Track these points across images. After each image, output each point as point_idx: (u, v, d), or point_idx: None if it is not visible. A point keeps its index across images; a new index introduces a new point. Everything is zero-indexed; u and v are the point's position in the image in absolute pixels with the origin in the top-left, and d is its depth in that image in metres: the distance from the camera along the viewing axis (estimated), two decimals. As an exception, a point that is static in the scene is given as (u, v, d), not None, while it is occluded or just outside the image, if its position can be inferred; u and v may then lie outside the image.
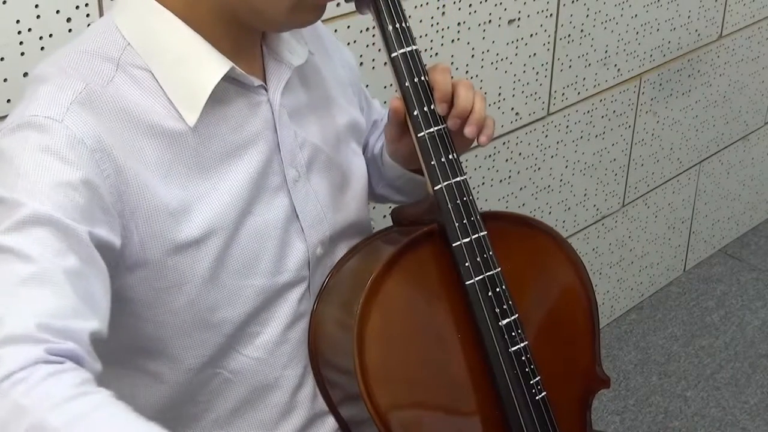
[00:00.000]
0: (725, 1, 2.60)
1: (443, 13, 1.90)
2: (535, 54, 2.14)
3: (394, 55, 1.18)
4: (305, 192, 1.20)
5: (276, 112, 1.16)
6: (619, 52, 2.35)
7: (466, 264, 1.17)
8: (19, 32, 1.33)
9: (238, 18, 1.10)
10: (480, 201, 2.02)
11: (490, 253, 1.19)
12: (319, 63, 1.27)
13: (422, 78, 1.18)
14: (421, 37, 1.88)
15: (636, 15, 2.34)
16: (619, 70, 2.37)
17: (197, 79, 1.09)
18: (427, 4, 1.86)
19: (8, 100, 1.35)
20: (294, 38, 1.20)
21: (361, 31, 1.77)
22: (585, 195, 2.45)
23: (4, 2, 1.30)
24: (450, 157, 1.18)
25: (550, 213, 2.37)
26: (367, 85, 1.77)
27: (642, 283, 2.78)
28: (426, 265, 1.19)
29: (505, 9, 2.02)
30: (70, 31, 1.38)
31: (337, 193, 1.25)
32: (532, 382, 1.21)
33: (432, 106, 1.18)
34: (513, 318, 1.19)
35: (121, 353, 1.14)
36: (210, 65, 1.09)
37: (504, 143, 2.16)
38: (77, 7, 1.38)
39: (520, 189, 2.26)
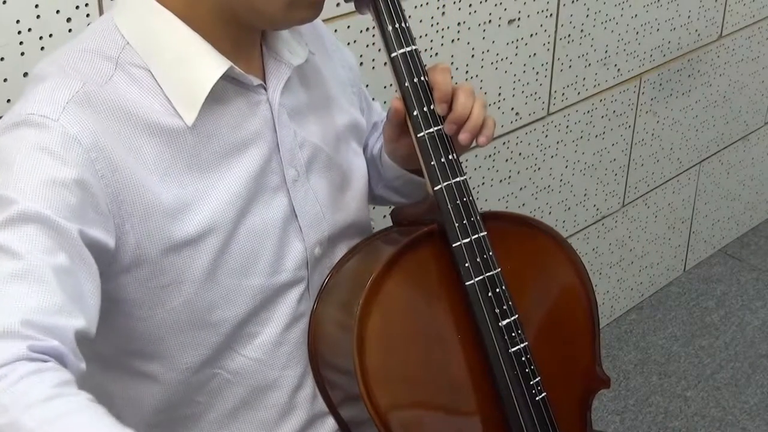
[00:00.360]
0: (725, 1, 2.60)
1: (443, 13, 1.90)
2: (535, 54, 2.14)
3: (393, 55, 1.18)
4: (304, 192, 1.20)
5: (275, 111, 1.16)
6: (619, 52, 2.35)
7: (466, 264, 1.17)
8: (19, 32, 1.33)
9: (237, 17, 1.10)
10: (480, 201, 2.02)
11: (490, 253, 1.18)
12: (319, 63, 1.27)
13: (422, 78, 1.18)
14: (421, 37, 1.88)
15: (636, 15, 2.34)
16: (619, 70, 2.37)
17: (196, 78, 1.09)
18: (427, 4, 1.86)
19: (8, 100, 1.35)
20: (294, 38, 1.20)
21: (361, 31, 1.77)
22: (585, 195, 2.45)
23: (4, 2, 1.30)
24: (450, 157, 1.18)
25: (550, 213, 2.37)
26: (367, 85, 1.77)
27: (642, 283, 2.78)
28: (426, 266, 1.19)
29: (505, 9, 2.02)
30: (70, 31, 1.38)
31: (337, 193, 1.25)
32: (532, 382, 1.21)
33: (432, 107, 1.18)
34: (513, 318, 1.19)
35: (117, 355, 1.14)
36: (209, 64, 1.09)
37: (504, 143, 2.16)
38: (77, 7, 1.38)
39: (520, 189, 2.26)
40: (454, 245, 1.17)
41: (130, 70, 1.08)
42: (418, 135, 1.18)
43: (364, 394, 1.10)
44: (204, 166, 1.11)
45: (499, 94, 2.10)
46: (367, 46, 1.79)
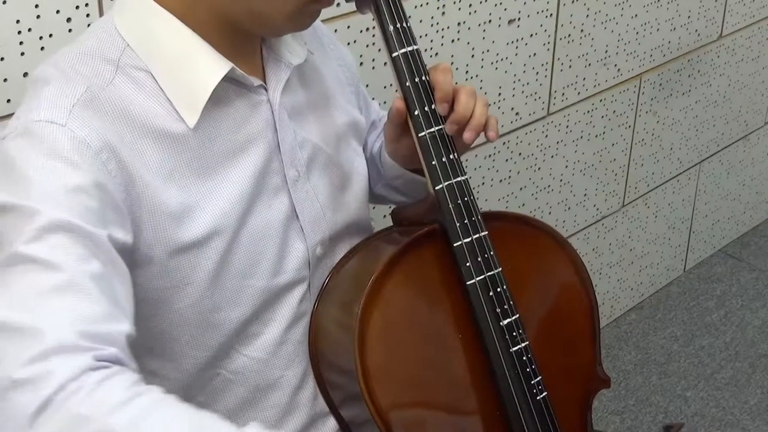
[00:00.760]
0: (725, 1, 2.60)
1: (443, 13, 1.90)
2: (535, 54, 2.14)
3: (395, 54, 1.18)
4: (305, 192, 1.20)
5: (276, 111, 1.16)
6: (619, 52, 2.35)
7: (467, 264, 1.17)
8: (19, 32, 1.33)
9: (237, 22, 1.09)
10: (480, 201, 2.02)
11: (491, 253, 1.18)
12: (318, 62, 1.26)
13: (423, 78, 1.18)
14: (421, 37, 1.88)
15: (636, 15, 2.34)
16: (619, 70, 2.37)
17: (197, 79, 1.09)
18: (427, 4, 1.86)
19: (8, 100, 1.35)
20: (293, 38, 1.20)
21: (361, 31, 1.77)
22: (585, 195, 2.45)
23: (4, 2, 1.30)
24: (451, 157, 1.18)
25: (550, 213, 2.37)
26: (367, 85, 1.77)
27: (642, 283, 2.78)
28: (427, 266, 1.19)
29: (505, 9, 2.02)
30: (70, 31, 1.37)
31: (337, 192, 1.25)
32: (533, 382, 1.21)
33: (433, 106, 1.18)
34: (514, 318, 1.19)
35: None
36: (210, 66, 1.09)
37: (504, 143, 2.16)
38: (77, 7, 1.38)
39: (520, 189, 2.26)
40: (455, 245, 1.17)
41: (131, 73, 1.08)
42: (419, 134, 1.18)
43: (365, 394, 1.10)
44: (206, 168, 1.11)
45: (499, 94, 2.10)
46: (367, 46, 1.79)
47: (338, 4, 1.66)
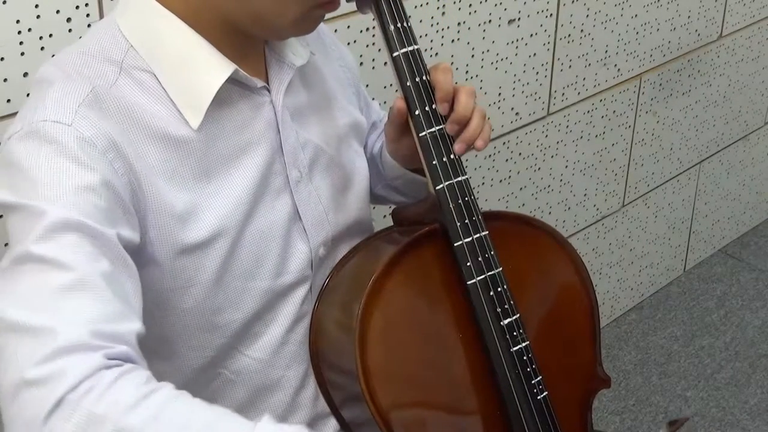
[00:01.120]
0: (725, 1, 2.60)
1: (443, 13, 1.90)
2: (535, 54, 2.14)
3: (395, 54, 1.18)
4: (307, 193, 1.20)
5: (278, 113, 1.16)
6: (619, 52, 2.35)
7: (468, 264, 1.17)
8: (19, 32, 1.33)
9: (241, 26, 1.09)
10: (480, 201, 2.02)
11: (492, 253, 1.18)
12: (319, 63, 1.27)
13: (424, 77, 1.18)
14: (421, 37, 1.88)
15: (636, 15, 2.34)
16: (619, 70, 2.37)
17: (201, 81, 1.09)
18: (427, 4, 1.86)
19: (8, 100, 1.35)
20: (296, 39, 1.20)
21: (361, 31, 1.77)
22: (585, 195, 2.45)
23: (4, 2, 1.30)
24: (451, 156, 1.18)
25: (550, 213, 2.37)
26: (367, 85, 1.77)
27: (642, 283, 2.78)
28: (427, 265, 1.19)
29: (505, 9, 2.02)
30: (70, 31, 1.37)
31: (339, 193, 1.25)
32: (533, 381, 1.21)
33: (433, 106, 1.18)
34: (514, 318, 1.19)
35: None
36: (213, 68, 1.09)
37: (504, 143, 2.16)
38: (77, 7, 1.38)
39: (520, 189, 2.26)
40: (455, 244, 1.17)
41: (134, 74, 1.07)
42: (420, 134, 1.18)
43: (366, 394, 1.10)
44: (210, 170, 1.10)
45: (499, 94, 2.10)
46: (367, 46, 1.79)
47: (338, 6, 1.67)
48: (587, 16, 2.22)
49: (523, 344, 1.20)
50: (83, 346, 0.88)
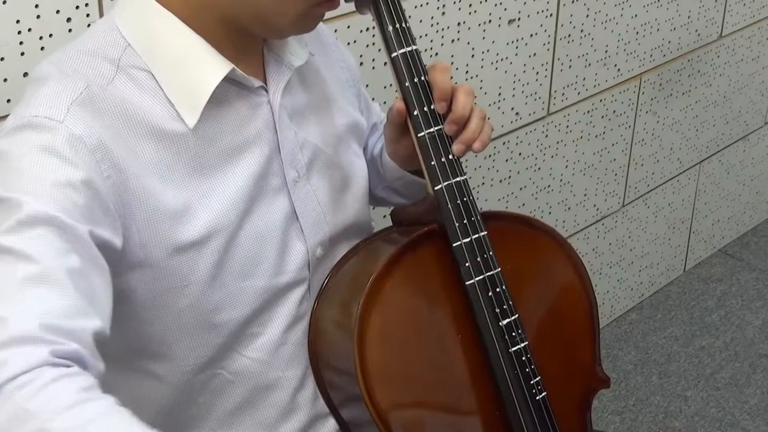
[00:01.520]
0: (725, 1, 2.60)
1: (443, 13, 1.90)
2: (535, 54, 2.14)
3: (394, 55, 1.18)
4: (305, 193, 1.20)
5: (276, 113, 1.16)
6: (619, 52, 2.35)
7: (467, 264, 1.17)
8: (19, 32, 1.33)
9: (241, 25, 1.10)
10: (480, 201, 2.01)
11: (491, 253, 1.18)
12: (318, 63, 1.27)
13: (422, 78, 1.18)
14: (421, 37, 1.88)
15: (636, 15, 2.34)
16: (619, 70, 2.37)
17: (198, 80, 1.09)
18: (427, 4, 1.86)
19: (8, 100, 1.35)
20: (295, 39, 1.20)
21: (361, 31, 1.77)
22: (585, 195, 2.45)
23: (4, 2, 1.30)
24: (450, 157, 1.18)
25: (550, 213, 2.37)
26: (367, 85, 1.77)
27: (642, 283, 2.78)
28: (426, 266, 1.19)
29: (505, 9, 2.02)
30: (70, 31, 1.38)
31: (338, 193, 1.25)
32: (532, 382, 1.21)
33: (432, 106, 1.18)
34: (513, 318, 1.19)
35: (124, 354, 1.14)
36: (210, 67, 1.09)
37: (504, 143, 2.16)
38: (77, 7, 1.38)
39: (520, 189, 2.26)
40: (454, 245, 1.17)
41: (131, 72, 1.08)
42: (419, 135, 1.18)
43: (365, 395, 1.10)
44: (206, 168, 1.11)
45: (499, 94, 2.10)
46: (367, 46, 1.79)
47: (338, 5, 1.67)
48: (587, 16, 2.22)
49: (522, 344, 1.20)
50: (31, 338, 0.87)
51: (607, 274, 2.63)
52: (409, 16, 1.19)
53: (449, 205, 1.17)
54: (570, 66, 2.23)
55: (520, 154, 2.21)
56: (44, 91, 1.03)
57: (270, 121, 1.16)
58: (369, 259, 1.23)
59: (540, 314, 1.28)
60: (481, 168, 2.13)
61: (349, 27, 1.75)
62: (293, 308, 1.20)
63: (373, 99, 1.46)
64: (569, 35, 2.20)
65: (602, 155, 2.45)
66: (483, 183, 2.15)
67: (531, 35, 2.11)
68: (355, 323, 1.12)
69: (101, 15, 1.41)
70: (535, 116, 2.21)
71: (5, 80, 1.34)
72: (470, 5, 1.94)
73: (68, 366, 0.88)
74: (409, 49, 1.18)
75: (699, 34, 2.56)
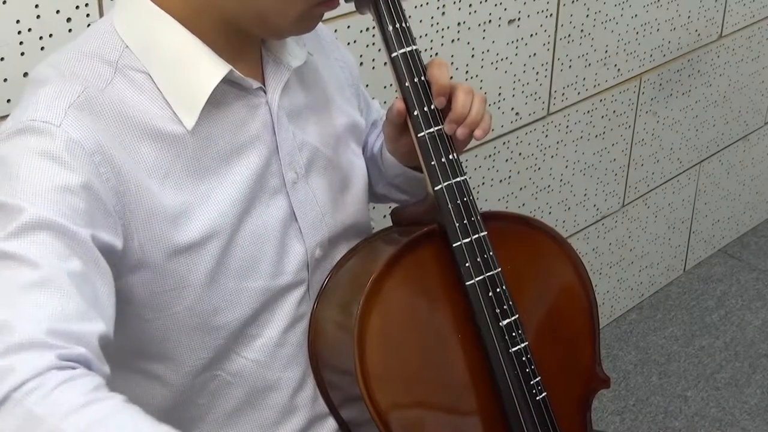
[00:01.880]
0: (725, 1, 2.60)
1: (443, 13, 1.90)
2: (535, 54, 2.14)
3: (394, 55, 1.18)
4: (304, 194, 1.20)
5: (274, 114, 1.16)
6: (619, 52, 2.35)
7: (467, 264, 1.17)
8: (19, 32, 1.33)
9: (240, 26, 1.10)
10: (480, 201, 2.02)
11: (491, 253, 1.18)
12: (317, 63, 1.26)
13: (422, 78, 1.18)
14: (421, 37, 1.88)
15: (636, 15, 2.34)
16: (619, 70, 2.37)
17: (196, 81, 1.09)
18: (427, 4, 1.86)
19: (8, 100, 1.35)
20: (293, 40, 1.20)
21: (361, 31, 1.77)
22: (585, 195, 2.45)
23: (4, 2, 1.30)
24: (450, 157, 1.18)
25: (550, 213, 2.37)
26: (367, 85, 1.77)
27: (642, 283, 2.78)
28: (426, 266, 1.19)
29: (505, 9, 2.02)
30: (70, 31, 1.37)
31: (337, 194, 1.25)
32: (532, 382, 1.21)
33: (432, 106, 1.18)
34: (513, 318, 1.19)
35: (123, 355, 1.14)
36: (209, 68, 1.09)
37: (504, 143, 2.16)
38: (77, 7, 1.38)
39: (520, 189, 2.26)
40: (454, 245, 1.17)
41: (129, 74, 1.07)
42: (419, 135, 1.18)
43: (364, 395, 1.10)
44: (204, 170, 1.10)
45: (499, 94, 2.10)
46: (367, 46, 1.79)
47: (338, 4, 1.66)
48: (587, 16, 2.22)
49: (522, 345, 1.20)
50: (37, 343, 0.87)
51: (607, 274, 2.63)
52: (409, 16, 1.19)
53: (449, 205, 1.17)
54: (570, 66, 2.23)
55: (520, 154, 2.21)
56: (42, 94, 1.03)
57: (268, 122, 1.16)
58: (369, 259, 1.23)
59: (540, 314, 1.28)
60: (481, 168, 2.13)
61: (349, 27, 1.75)
62: (292, 309, 1.20)
63: (372, 98, 1.46)
64: (569, 35, 2.20)
65: (602, 155, 2.45)
66: (483, 183, 2.15)
67: (531, 35, 2.11)
68: (355, 323, 1.12)
69: (101, 15, 1.41)
70: (535, 116, 2.21)
71: (5, 80, 1.34)
72: (470, 5, 1.94)
73: (74, 368, 0.88)
74: (409, 49, 1.18)
75: (699, 34, 2.56)
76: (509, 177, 2.21)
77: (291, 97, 1.20)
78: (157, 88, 1.08)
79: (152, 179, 1.06)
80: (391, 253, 1.16)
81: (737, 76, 2.78)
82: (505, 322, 1.19)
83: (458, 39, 1.95)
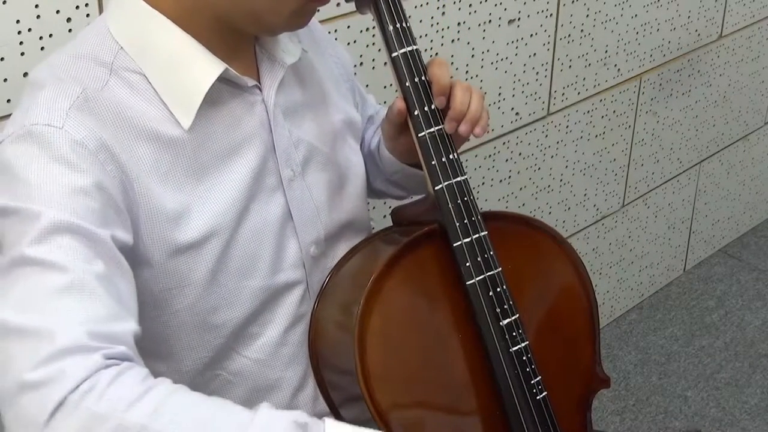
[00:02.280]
0: (725, 1, 2.60)
1: (443, 13, 1.90)
2: (535, 54, 2.14)
3: (394, 55, 1.18)
4: (300, 191, 1.20)
5: (270, 111, 1.16)
6: (619, 52, 2.35)
7: (467, 264, 1.17)
8: (19, 32, 1.33)
9: (233, 24, 1.10)
10: (480, 201, 2.02)
11: (491, 253, 1.18)
12: (312, 59, 1.26)
13: (423, 78, 1.18)
14: (421, 37, 1.88)
15: (636, 15, 2.34)
16: (619, 70, 2.37)
17: (191, 81, 1.09)
18: (427, 4, 1.86)
19: (8, 100, 1.35)
20: (287, 37, 1.20)
21: (361, 31, 1.77)
22: (585, 195, 2.45)
23: (4, 2, 1.30)
24: (450, 157, 1.18)
25: (550, 213, 2.37)
26: (367, 85, 1.77)
27: (642, 283, 2.78)
28: (426, 266, 1.19)
29: (505, 9, 2.02)
30: (70, 31, 1.38)
31: (334, 191, 1.25)
32: (532, 382, 1.21)
33: (432, 106, 1.18)
34: (513, 318, 1.19)
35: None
36: (204, 67, 1.09)
37: (504, 143, 2.16)
38: (77, 7, 1.38)
39: (520, 189, 2.26)
40: (454, 245, 1.17)
41: (124, 76, 1.08)
42: (419, 134, 1.18)
43: (365, 394, 1.10)
44: (203, 170, 1.11)
45: (499, 94, 2.10)
46: (367, 46, 1.79)
47: (338, 4, 1.67)
48: (587, 16, 2.22)
49: (523, 344, 1.20)
50: (82, 347, 0.89)
51: (607, 274, 2.63)
52: (409, 16, 1.19)
53: (449, 205, 1.17)
54: (570, 66, 2.23)
55: (520, 154, 2.21)
56: (42, 97, 1.03)
57: (265, 119, 1.16)
58: (369, 259, 1.23)
59: (540, 314, 1.28)
60: (481, 168, 2.13)
61: (349, 27, 1.75)
62: (293, 309, 1.20)
63: (368, 94, 1.45)
64: (569, 35, 2.20)
65: (602, 155, 2.45)
66: (483, 183, 2.15)
67: (531, 35, 2.11)
68: (355, 323, 1.12)
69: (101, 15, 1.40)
70: (535, 116, 2.21)
71: (5, 80, 1.34)
72: (470, 5, 1.94)
73: (119, 364, 0.90)
74: (409, 48, 1.18)
75: (699, 34, 2.56)
76: (509, 177, 2.21)
77: (287, 95, 1.20)
78: (153, 89, 1.08)
79: (152, 180, 1.06)
80: (392, 252, 1.16)
81: (737, 76, 2.78)
82: (505, 321, 1.19)
83: (458, 39, 1.95)
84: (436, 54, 1.92)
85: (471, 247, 1.17)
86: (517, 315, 1.20)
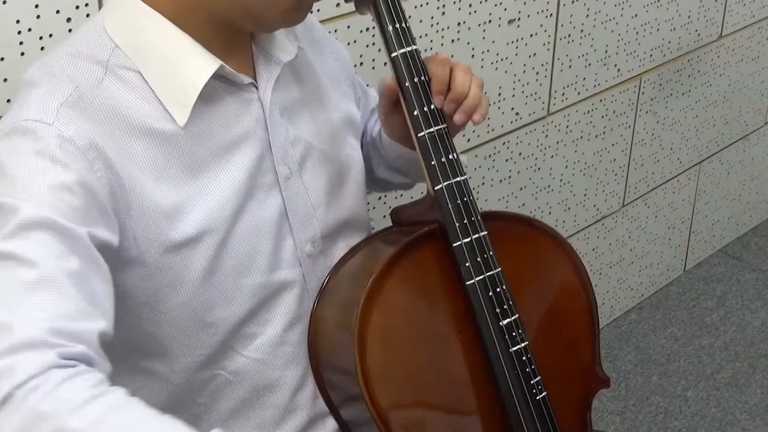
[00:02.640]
0: (725, 1, 2.60)
1: (443, 13, 1.90)
2: (535, 54, 2.14)
3: (394, 55, 1.18)
4: (296, 190, 1.20)
5: (267, 109, 1.16)
6: (619, 52, 2.35)
7: (467, 264, 1.17)
8: (19, 32, 1.33)
9: (229, 21, 1.10)
10: (480, 201, 2.02)
11: (491, 253, 1.18)
12: (310, 57, 1.26)
13: (422, 78, 1.18)
14: (421, 37, 1.88)
15: (636, 15, 2.34)
16: (619, 70, 2.37)
17: (186, 78, 1.09)
18: (427, 4, 1.86)
19: (8, 100, 1.35)
20: (284, 34, 1.20)
21: (361, 31, 1.77)
22: (585, 195, 2.45)
23: (4, 2, 1.30)
24: (450, 157, 1.18)
25: (550, 213, 2.37)
26: (367, 85, 1.77)
27: (642, 283, 2.78)
28: (426, 266, 1.19)
29: (505, 9, 2.02)
30: (70, 31, 1.38)
31: (332, 189, 1.25)
32: (532, 382, 1.21)
33: (432, 106, 1.18)
34: (513, 318, 1.19)
35: (122, 353, 1.14)
36: (199, 64, 1.09)
37: (504, 143, 2.16)
38: (77, 7, 1.38)
39: (520, 189, 2.26)
40: (454, 245, 1.17)
41: (120, 73, 1.08)
42: (419, 134, 1.18)
43: (365, 394, 1.10)
44: (197, 167, 1.11)
45: (499, 94, 2.10)
46: (367, 46, 1.79)
47: (338, 4, 1.67)
48: (587, 16, 2.22)
49: (523, 344, 1.20)
50: (38, 343, 0.87)
51: (607, 274, 2.63)
52: (409, 16, 1.19)
53: (449, 205, 1.17)
54: (570, 66, 2.23)
55: (520, 154, 2.21)
56: (34, 94, 1.04)
57: (261, 117, 1.16)
58: (369, 259, 1.23)
59: (540, 314, 1.28)
60: (481, 168, 2.13)
61: (349, 27, 1.75)
62: (292, 308, 1.20)
63: (367, 85, 1.45)
64: (569, 35, 2.20)
65: (602, 155, 2.45)
66: (483, 183, 2.15)
67: (531, 35, 2.11)
68: (355, 323, 1.12)
69: (101, 15, 1.40)
70: (535, 116, 2.21)
71: (5, 80, 1.34)
72: (470, 5, 1.94)
73: (75, 366, 0.88)
74: (409, 49, 1.18)
75: (699, 34, 2.56)
76: (509, 177, 2.21)
77: (284, 92, 1.20)
78: (149, 86, 1.08)
79: (146, 176, 1.06)
80: (392, 252, 1.16)
81: (737, 76, 2.78)
82: (505, 321, 1.19)
83: (458, 39, 1.95)
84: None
85: (471, 247, 1.17)
86: (517, 315, 1.20)
